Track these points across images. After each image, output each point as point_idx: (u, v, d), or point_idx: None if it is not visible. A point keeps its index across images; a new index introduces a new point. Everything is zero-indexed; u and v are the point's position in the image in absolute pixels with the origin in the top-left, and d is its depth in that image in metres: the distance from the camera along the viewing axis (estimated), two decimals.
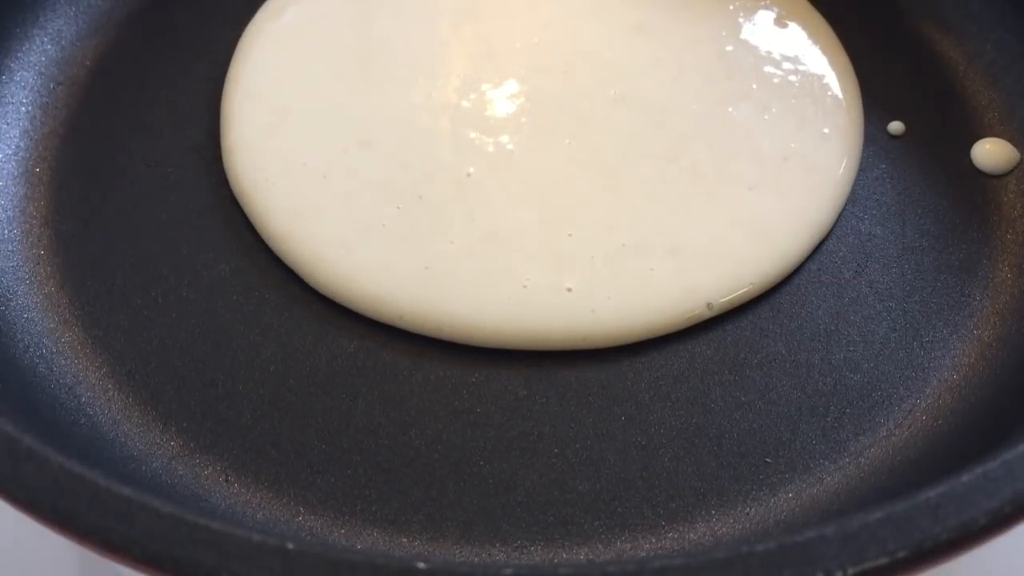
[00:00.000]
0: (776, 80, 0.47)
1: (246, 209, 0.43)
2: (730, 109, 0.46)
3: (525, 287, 0.41)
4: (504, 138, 0.45)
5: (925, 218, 0.44)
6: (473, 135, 0.45)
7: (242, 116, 0.46)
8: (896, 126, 0.46)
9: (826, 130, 0.46)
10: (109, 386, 0.39)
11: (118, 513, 0.27)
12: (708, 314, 0.40)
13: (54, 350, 0.40)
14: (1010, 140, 0.45)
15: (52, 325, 0.41)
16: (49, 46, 0.48)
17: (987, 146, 0.45)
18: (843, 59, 0.48)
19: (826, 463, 0.37)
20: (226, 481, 0.37)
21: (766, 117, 0.46)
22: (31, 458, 0.28)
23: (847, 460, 0.38)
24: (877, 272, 0.42)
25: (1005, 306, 0.41)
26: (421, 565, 0.26)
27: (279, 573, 0.26)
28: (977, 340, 0.40)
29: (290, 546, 0.26)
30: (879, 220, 0.43)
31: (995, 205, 0.44)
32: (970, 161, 0.45)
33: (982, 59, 0.48)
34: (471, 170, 0.44)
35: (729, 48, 0.48)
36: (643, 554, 0.36)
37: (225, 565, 0.26)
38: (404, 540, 0.36)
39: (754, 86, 0.47)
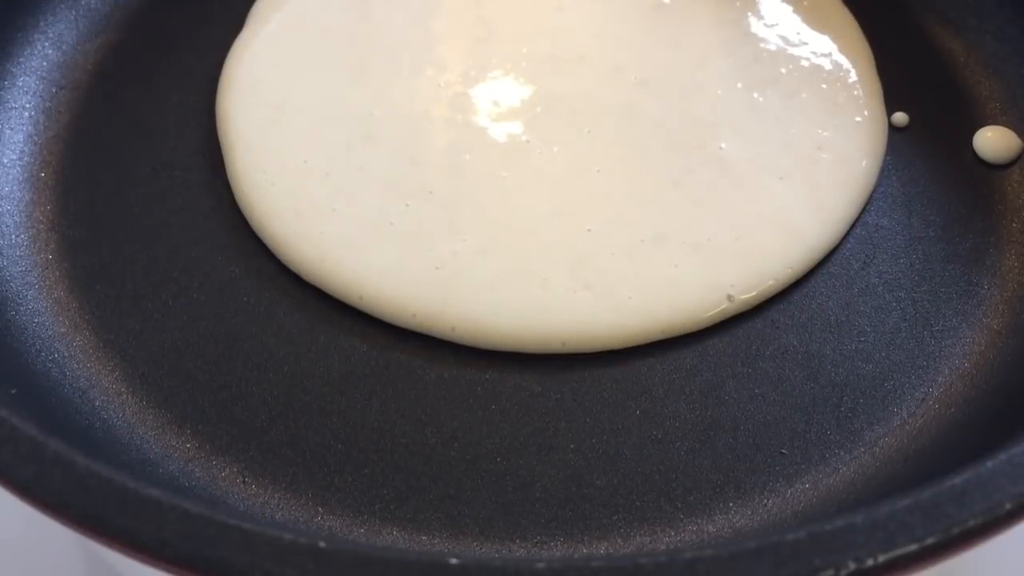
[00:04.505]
0: (805, 64, 0.46)
1: (245, 211, 0.43)
2: (756, 95, 0.45)
3: (542, 287, 0.40)
4: (518, 129, 0.44)
5: (931, 208, 0.44)
6: (485, 126, 0.44)
7: (239, 114, 0.45)
8: (899, 117, 0.46)
9: (858, 119, 0.45)
10: (123, 389, 0.39)
11: (148, 515, 0.27)
12: (731, 311, 0.40)
13: (66, 354, 0.40)
14: (1012, 130, 0.46)
15: (63, 329, 0.40)
16: (50, 50, 0.48)
17: (988, 134, 0.46)
18: (865, 45, 0.48)
19: (841, 453, 0.38)
20: (243, 483, 0.37)
21: (796, 103, 0.45)
22: (58, 462, 0.28)
23: (862, 449, 0.38)
24: (885, 263, 0.42)
25: (1013, 293, 0.42)
26: (454, 561, 0.26)
27: (312, 572, 0.26)
28: (987, 328, 0.41)
29: (322, 545, 0.26)
30: (885, 211, 0.44)
31: (1000, 195, 0.44)
32: (973, 151, 0.46)
33: (982, 50, 0.48)
34: (483, 163, 0.43)
35: (755, 30, 0.48)
36: (663, 547, 0.36)
37: (259, 565, 0.26)
38: (424, 538, 0.36)
39: (783, 70, 0.46)
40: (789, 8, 0.49)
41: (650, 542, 0.36)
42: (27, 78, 0.47)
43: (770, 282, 0.41)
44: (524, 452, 0.38)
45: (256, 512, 0.36)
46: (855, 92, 0.46)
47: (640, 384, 0.39)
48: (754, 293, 0.40)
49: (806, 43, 0.47)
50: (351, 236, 0.41)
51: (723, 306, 0.40)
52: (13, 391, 0.36)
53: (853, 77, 0.47)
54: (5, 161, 0.45)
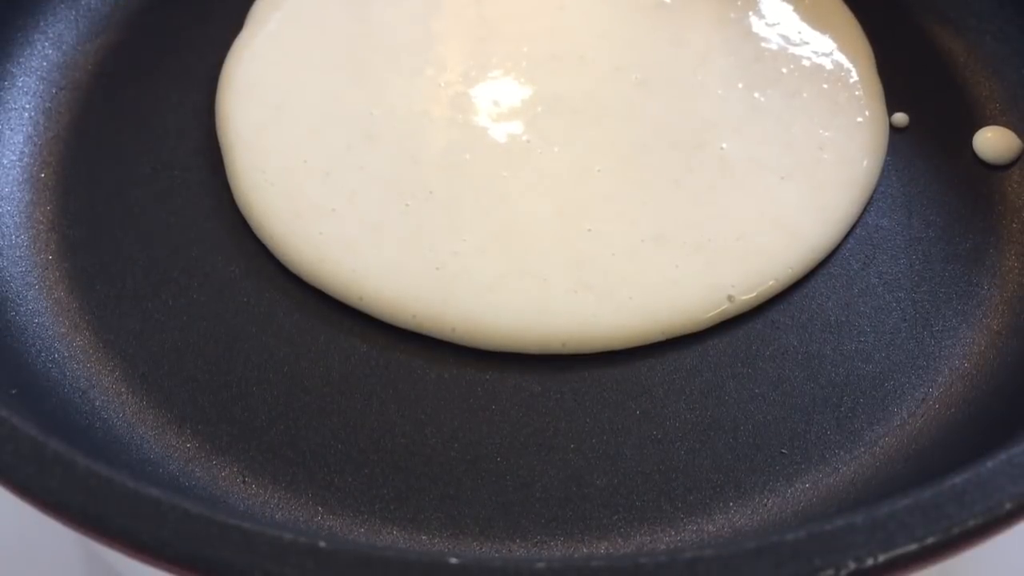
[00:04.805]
0: (806, 64, 0.46)
1: (244, 212, 0.43)
2: (757, 94, 0.45)
3: (542, 287, 0.40)
4: (519, 128, 0.44)
5: (931, 209, 0.44)
6: (486, 126, 0.44)
7: (238, 114, 0.45)
8: (900, 118, 0.46)
9: (860, 119, 0.45)
10: (122, 390, 0.39)
11: (148, 515, 0.27)
12: (731, 312, 0.40)
13: (66, 355, 0.40)
14: (1012, 130, 0.46)
15: (63, 330, 0.40)
16: (50, 51, 0.48)
17: (988, 134, 0.46)
18: (866, 45, 0.48)
19: (841, 453, 0.38)
20: (243, 483, 0.37)
21: (797, 103, 0.45)
22: (58, 462, 0.28)
23: (862, 450, 0.38)
24: (885, 263, 0.42)
25: (1013, 294, 0.42)
26: (454, 561, 0.26)
27: (312, 572, 0.26)
28: (987, 328, 0.41)
29: (322, 545, 0.26)
30: (885, 211, 0.44)
31: (1000, 195, 0.44)
32: (973, 151, 0.46)
33: (982, 50, 0.48)
34: (484, 163, 0.43)
35: (756, 29, 0.48)
36: (663, 547, 0.36)
37: (259, 565, 0.26)
38: (424, 538, 0.36)
39: (784, 70, 0.46)
40: (790, 7, 0.49)
41: (650, 542, 0.36)
42: (27, 78, 0.47)
43: (771, 282, 0.41)
44: (524, 452, 0.38)
45: (256, 512, 0.36)
46: (856, 92, 0.46)
47: (640, 384, 0.39)
48: (755, 294, 0.40)
49: (807, 42, 0.47)
50: (351, 236, 0.41)
51: (724, 307, 0.40)
52: (13, 391, 0.36)
53: (854, 77, 0.47)
54: (5, 161, 0.45)
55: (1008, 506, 0.28)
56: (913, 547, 0.27)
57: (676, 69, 0.46)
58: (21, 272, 0.42)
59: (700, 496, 0.37)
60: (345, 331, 0.40)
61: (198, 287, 0.42)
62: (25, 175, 0.44)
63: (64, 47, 0.48)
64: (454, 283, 0.40)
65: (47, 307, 0.41)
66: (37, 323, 0.40)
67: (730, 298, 0.40)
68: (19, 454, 0.28)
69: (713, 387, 0.39)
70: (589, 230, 0.41)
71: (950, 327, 0.41)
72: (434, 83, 0.46)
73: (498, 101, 0.45)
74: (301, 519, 0.36)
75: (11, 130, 0.45)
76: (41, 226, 0.43)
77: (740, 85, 0.46)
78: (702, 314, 0.40)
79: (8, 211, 0.43)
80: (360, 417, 0.38)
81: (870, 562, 0.26)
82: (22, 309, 0.41)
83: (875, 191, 0.44)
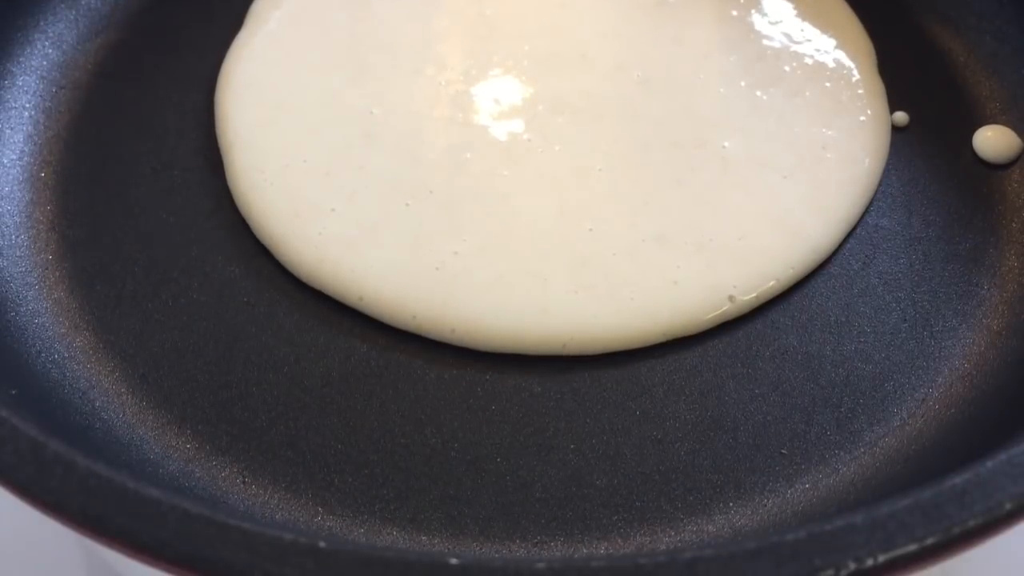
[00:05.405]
0: (808, 62, 0.46)
1: (244, 212, 0.43)
2: (759, 93, 0.45)
3: (542, 288, 0.40)
4: (519, 127, 0.44)
5: (931, 208, 0.44)
6: (486, 125, 0.44)
7: (237, 114, 0.45)
8: (900, 117, 0.46)
9: (862, 118, 0.45)
10: (123, 390, 0.39)
11: (148, 515, 0.27)
12: (732, 313, 0.40)
13: (66, 355, 0.40)
14: (1012, 129, 0.46)
15: (63, 330, 0.40)
16: (50, 50, 0.48)
17: (988, 134, 0.46)
18: (867, 43, 0.48)
19: (841, 453, 0.38)
20: (243, 483, 0.37)
21: (799, 102, 0.45)
22: (58, 462, 0.28)
23: (862, 450, 0.38)
24: (885, 263, 0.42)
25: (1013, 294, 0.42)
26: (454, 561, 0.26)
27: (312, 572, 0.26)
28: (987, 328, 0.41)
29: (322, 545, 0.26)
30: (885, 211, 0.44)
31: (1000, 195, 0.44)
32: (973, 151, 0.46)
33: (982, 50, 0.48)
34: (484, 163, 0.43)
35: (758, 27, 0.47)
36: (663, 547, 0.36)
37: (259, 565, 0.26)
38: (424, 538, 0.36)
39: (786, 68, 0.46)
40: (791, 6, 0.49)
41: (650, 542, 0.36)
42: (27, 78, 0.47)
43: (772, 283, 0.41)
44: (524, 452, 0.38)
45: (256, 512, 0.36)
46: (859, 91, 0.46)
47: (640, 384, 0.39)
48: (756, 294, 0.40)
49: (809, 40, 0.47)
50: (351, 236, 0.41)
51: (725, 307, 0.40)
52: (13, 391, 0.36)
53: (856, 76, 0.47)
54: (5, 161, 0.45)
55: (1008, 506, 0.28)
56: (913, 547, 0.27)
57: (678, 68, 0.46)
58: (21, 272, 0.42)
59: (700, 496, 0.37)
60: (345, 331, 0.40)
61: (198, 287, 0.42)
62: (25, 175, 0.44)
63: (64, 47, 0.48)
64: (454, 283, 0.40)
65: (47, 307, 0.41)
66: (37, 323, 0.40)
67: (731, 298, 0.40)
68: (19, 454, 0.28)
69: (713, 387, 0.39)
70: (590, 230, 0.41)
71: (950, 327, 0.41)
72: (434, 82, 0.46)
73: (499, 100, 0.45)
74: (301, 519, 0.36)
75: (11, 129, 0.45)
76: (41, 226, 0.43)
77: (742, 84, 0.46)
78: (703, 315, 0.40)
79: (8, 210, 0.43)
80: (360, 417, 0.38)
81: (870, 562, 0.26)
82: (22, 309, 0.41)
83: (875, 191, 0.44)
